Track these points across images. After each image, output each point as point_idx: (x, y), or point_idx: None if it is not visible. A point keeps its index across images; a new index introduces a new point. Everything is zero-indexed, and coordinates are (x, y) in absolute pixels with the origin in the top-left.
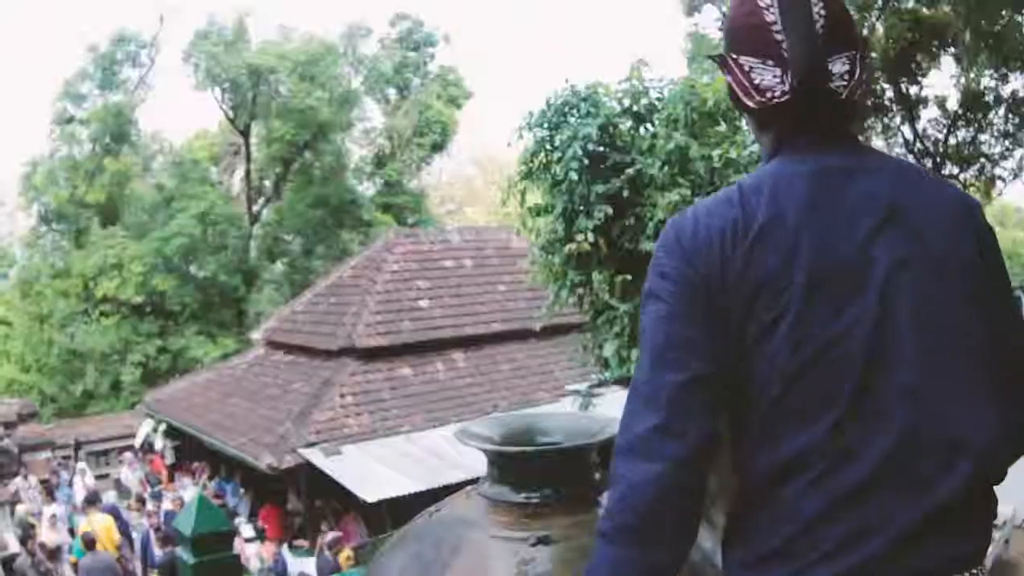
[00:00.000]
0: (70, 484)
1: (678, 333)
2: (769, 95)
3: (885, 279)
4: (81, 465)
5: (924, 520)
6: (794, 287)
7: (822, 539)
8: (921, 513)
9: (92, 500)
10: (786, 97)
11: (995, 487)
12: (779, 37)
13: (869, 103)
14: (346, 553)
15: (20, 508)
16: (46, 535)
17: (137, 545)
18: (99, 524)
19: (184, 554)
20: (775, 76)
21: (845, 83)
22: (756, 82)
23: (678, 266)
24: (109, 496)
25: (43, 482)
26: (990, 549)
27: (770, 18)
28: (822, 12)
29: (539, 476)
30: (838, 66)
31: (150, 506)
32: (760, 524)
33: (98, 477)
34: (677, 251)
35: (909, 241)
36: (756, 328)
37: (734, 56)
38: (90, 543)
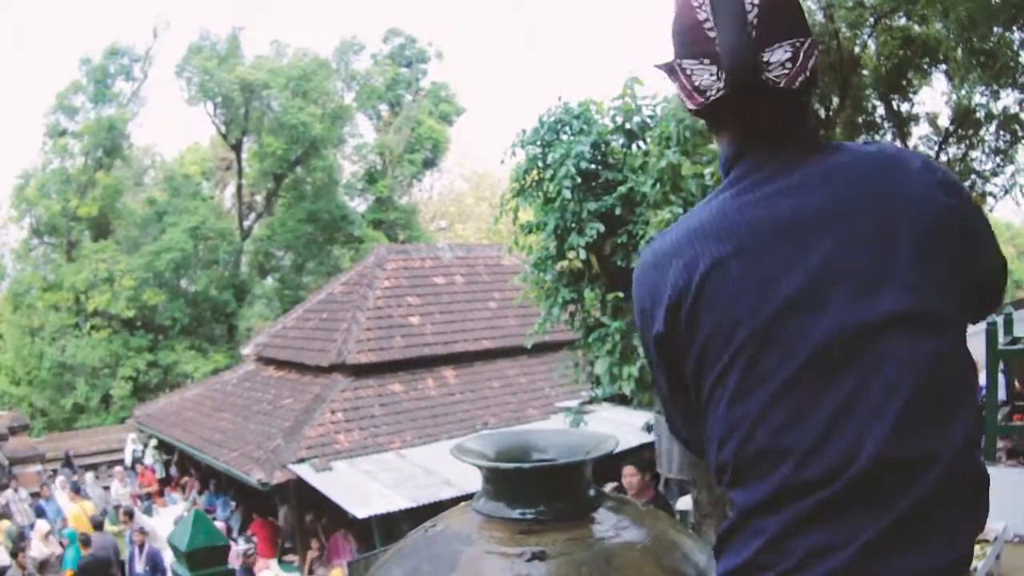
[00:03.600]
0: (37, 503)
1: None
2: (708, 95)
3: (830, 317)
4: (61, 478)
5: (885, 533)
6: (739, 340)
7: (786, 554)
8: (882, 527)
9: (77, 489)
10: (720, 93)
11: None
12: (711, 35)
13: (860, 120)
14: (337, 571)
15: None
16: (36, 548)
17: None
18: (89, 508)
19: (179, 569)
20: (711, 75)
21: (786, 72)
22: (696, 83)
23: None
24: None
25: (33, 495)
26: (981, 564)
27: (702, 16)
28: (755, 1)
29: (534, 492)
30: (777, 55)
31: (135, 524)
32: (738, 538)
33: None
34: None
35: (834, 258)
36: (710, 379)
37: (679, 61)
38: (86, 541)
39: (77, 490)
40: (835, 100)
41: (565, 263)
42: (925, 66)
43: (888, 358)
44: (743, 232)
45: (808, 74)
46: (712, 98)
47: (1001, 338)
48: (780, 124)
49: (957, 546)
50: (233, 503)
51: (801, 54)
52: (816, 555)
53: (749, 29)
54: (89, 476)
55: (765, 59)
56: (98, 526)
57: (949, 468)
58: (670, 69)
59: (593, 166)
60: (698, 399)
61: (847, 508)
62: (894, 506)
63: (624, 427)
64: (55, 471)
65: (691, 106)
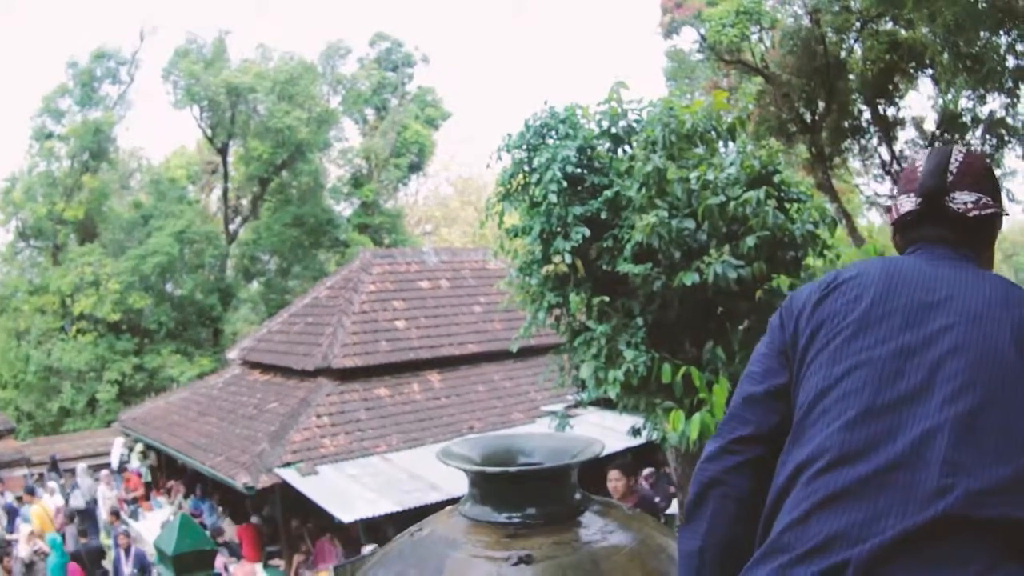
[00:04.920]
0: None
1: (757, 363)
2: (907, 215)
3: (932, 332)
4: (52, 484)
5: (903, 539)
6: (847, 321)
7: (808, 535)
8: (902, 530)
9: (31, 491)
10: (915, 208)
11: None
12: (919, 174)
13: (846, 125)
14: (323, 575)
15: None
16: (23, 550)
17: (110, 568)
18: (48, 508)
19: (166, 573)
20: (910, 200)
21: (966, 207)
22: (900, 208)
23: (773, 319)
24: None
25: (19, 499)
26: None
27: (918, 164)
28: (958, 160)
29: (520, 496)
30: (963, 196)
31: (119, 527)
32: (768, 522)
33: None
34: (779, 311)
35: (957, 314)
36: (814, 351)
37: (895, 199)
38: (84, 532)
39: (32, 492)
40: (821, 105)
41: (550, 267)
42: (911, 70)
43: (957, 371)
44: (865, 270)
45: (982, 214)
46: (907, 216)
47: None
48: (948, 240)
49: None
50: (220, 507)
51: (981, 202)
52: (834, 542)
53: (947, 175)
54: (81, 466)
55: (953, 195)
56: (84, 515)
57: (981, 494)
58: (887, 208)
59: (579, 170)
60: (798, 370)
61: (877, 493)
62: (927, 508)
63: (610, 431)
64: (42, 475)
65: (891, 221)
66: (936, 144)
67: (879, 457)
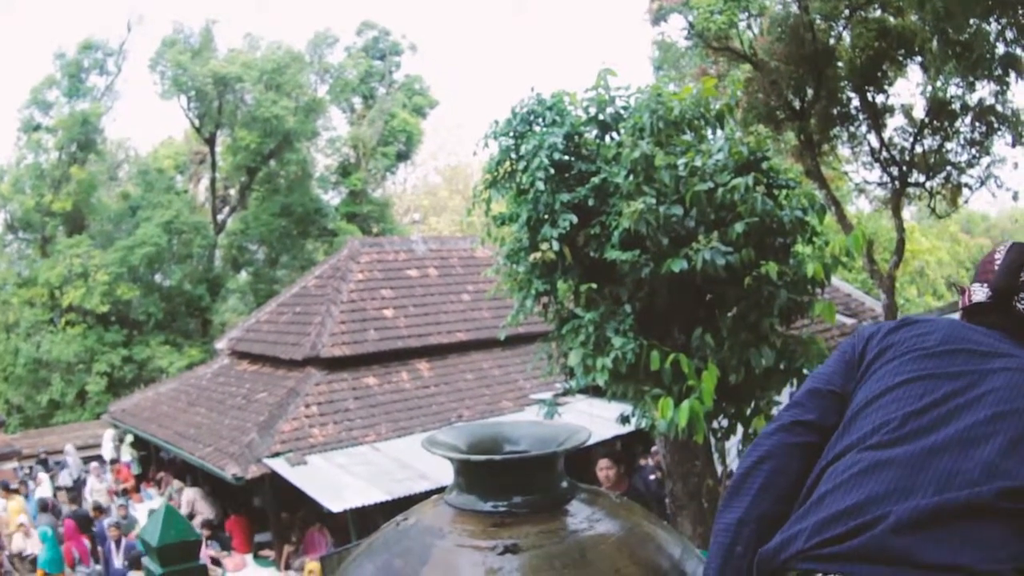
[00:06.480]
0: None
1: (825, 367)
2: (974, 303)
3: (991, 368)
4: (42, 475)
5: (938, 508)
6: (915, 348)
7: (848, 496)
8: (939, 501)
9: (6, 486)
10: (984, 300)
11: None
12: (995, 268)
13: (835, 112)
14: (311, 566)
15: None
16: (18, 544)
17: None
18: (12, 506)
19: (151, 564)
20: (983, 291)
21: None
22: (972, 295)
23: (846, 340)
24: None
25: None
26: None
27: (997, 257)
28: None
29: (506, 484)
30: None
31: (112, 518)
32: (809, 492)
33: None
34: (852, 334)
35: (1014, 364)
36: (878, 364)
37: (970, 285)
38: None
39: (7, 487)
40: (809, 92)
41: (538, 254)
42: (900, 58)
43: (997, 389)
44: (935, 319)
45: None
46: (978, 304)
47: None
48: (1009, 331)
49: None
50: (210, 498)
51: None
52: (872, 502)
53: (1020, 274)
54: (68, 446)
55: (1022, 295)
56: (71, 492)
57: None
58: (961, 290)
59: (566, 157)
60: (860, 377)
61: (918, 470)
62: (963, 490)
63: (598, 419)
64: (31, 468)
65: (962, 305)
66: (923, 131)
67: (924, 442)
